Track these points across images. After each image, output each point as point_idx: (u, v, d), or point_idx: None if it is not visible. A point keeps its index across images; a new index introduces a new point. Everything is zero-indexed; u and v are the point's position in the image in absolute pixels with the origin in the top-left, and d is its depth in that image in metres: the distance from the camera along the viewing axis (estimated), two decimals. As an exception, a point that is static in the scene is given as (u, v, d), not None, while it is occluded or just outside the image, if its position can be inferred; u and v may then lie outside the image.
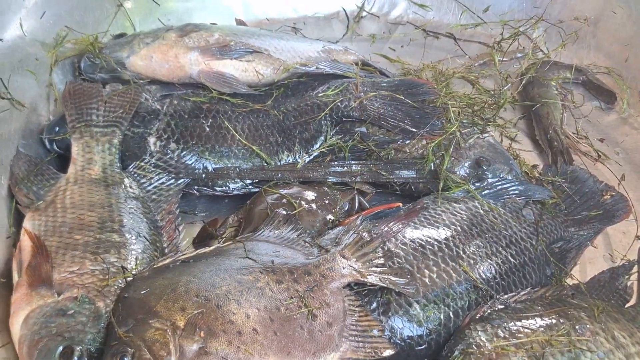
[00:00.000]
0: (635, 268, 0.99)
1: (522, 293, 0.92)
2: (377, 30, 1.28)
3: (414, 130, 1.04)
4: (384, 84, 1.08)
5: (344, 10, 1.28)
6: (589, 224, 1.04)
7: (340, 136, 1.05)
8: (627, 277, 0.98)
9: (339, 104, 1.04)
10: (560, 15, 1.24)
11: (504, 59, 1.24)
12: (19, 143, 1.00)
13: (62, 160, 1.01)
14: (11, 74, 0.99)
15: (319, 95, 1.05)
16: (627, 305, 0.95)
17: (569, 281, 0.96)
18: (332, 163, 1.03)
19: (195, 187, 1.01)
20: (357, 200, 1.04)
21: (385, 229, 0.94)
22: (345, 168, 1.03)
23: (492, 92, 1.17)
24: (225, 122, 1.02)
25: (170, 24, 1.16)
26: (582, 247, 1.03)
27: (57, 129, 1.02)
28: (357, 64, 1.13)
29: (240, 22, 1.22)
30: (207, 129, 1.02)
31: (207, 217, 1.00)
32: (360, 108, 1.05)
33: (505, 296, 0.92)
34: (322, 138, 1.05)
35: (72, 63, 1.08)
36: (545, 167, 1.11)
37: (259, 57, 1.07)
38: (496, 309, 0.91)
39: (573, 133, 1.15)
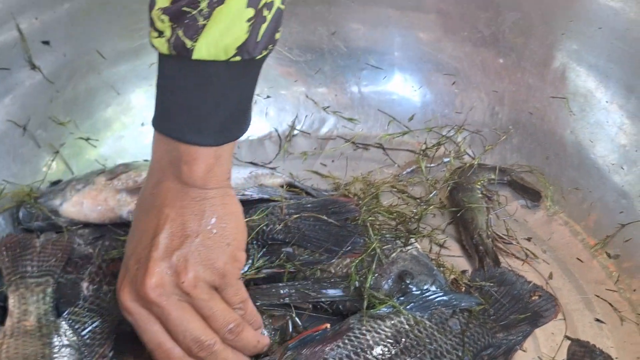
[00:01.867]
0: (565, 368, 1.02)
1: (446, 408, 0.94)
2: (309, 146, 1.32)
3: (337, 249, 1.08)
4: (309, 205, 1.12)
5: (276, 130, 1.34)
6: (518, 327, 1.06)
7: (267, 257, 1.09)
8: (556, 378, 1.01)
9: (264, 227, 1.08)
10: (481, 124, 1.29)
11: (432, 164, 1.28)
12: (-43, 298, 1.05)
13: (4, 312, 1.04)
14: (-56, 231, 1.05)
15: (245, 220, 1.09)
16: (556, 407, 0.97)
17: (499, 388, 0.98)
18: (261, 287, 1.07)
19: (129, 326, 1.04)
20: (290, 324, 1.07)
21: (309, 354, 0.97)
22: (274, 290, 1.07)
23: (419, 201, 1.21)
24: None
25: (107, 163, 1.22)
26: (512, 351, 1.05)
27: (-5, 282, 1.07)
28: (283, 187, 1.18)
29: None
30: (138, 268, 1.06)
31: (143, 355, 1.03)
32: (285, 230, 1.09)
33: (430, 413, 0.94)
34: (250, 261, 1.08)
35: (12, 213, 1.13)
36: (473, 272, 1.14)
37: (186, 192, 1.12)
38: None
39: (501, 234, 1.18)
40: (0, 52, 1.10)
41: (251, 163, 1.28)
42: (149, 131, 1.26)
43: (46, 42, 1.15)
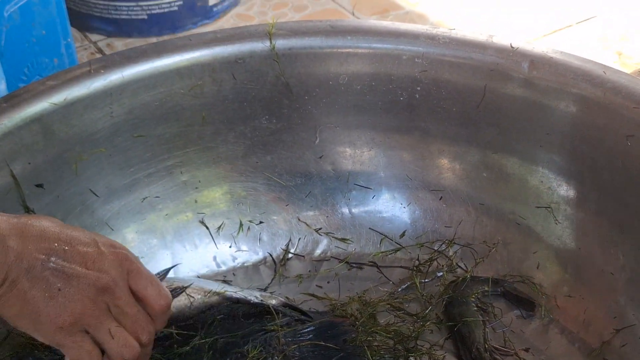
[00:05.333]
0: None
1: None
2: (304, 269, 1.34)
3: (339, 374, 1.08)
4: (305, 331, 1.13)
5: (270, 255, 1.35)
6: None
7: None
8: None
9: (262, 360, 1.09)
10: (471, 237, 1.31)
11: (426, 280, 1.29)
12: None
13: None
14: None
15: (243, 353, 1.10)
16: None
17: None
18: None
19: None
20: None
21: None
22: None
23: (415, 317, 1.22)
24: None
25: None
26: None
27: None
28: (278, 313, 1.19)
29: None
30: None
31: None
32: (284, 361, 1.09)
33: None
34: None
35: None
36: (474, 386, 1.14)
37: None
38: None
39: (499, 347, 1.18)
40: (-5, 199, 1.13)
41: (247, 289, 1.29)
42: (145, 264, 1.28)
43: (40, 185, 1.18)
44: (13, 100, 1.17)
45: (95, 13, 1.82)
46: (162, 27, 1.76)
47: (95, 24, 1.86)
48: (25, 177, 1.16)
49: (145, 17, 1.77)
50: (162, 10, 1.77)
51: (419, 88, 1.31)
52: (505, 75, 1.24)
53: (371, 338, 1.13)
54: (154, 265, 1.29)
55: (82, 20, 1.88)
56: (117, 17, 1.80)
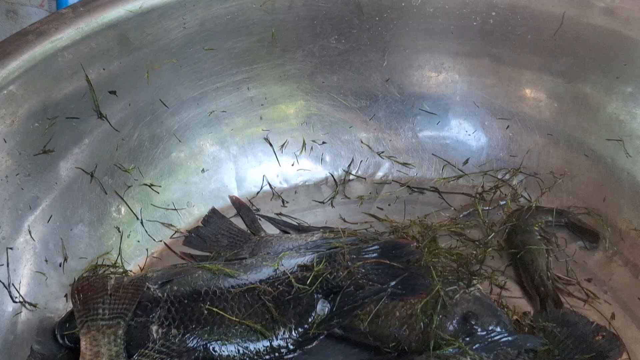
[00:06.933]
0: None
1: None
2: (365, 191, 1.35)
3: (402, 291, 1.09)
4: (369, 249, 1.14)
5: (332, 175, 1.36)
6: (583, 368, 1.06)
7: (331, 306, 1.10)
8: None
9: (328, 275, 1.10)
10: (536, 168, 1.30)
11: (488, 207, 1.29)
12: (33, 342, 1.07)
13: (77, 354, 1.06)
14: (21, 278, 1.08)
15: (308, 267, 1.11)
16: None
17: None
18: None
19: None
20: None
21: None
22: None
23: (477, 243, 1.22)
24: (222, 304, 1.08)
25: (171, 206, 1.26)
26: (578, 391, 1.05)
27: (68, 324, 1.09)
28: (344, 232, 1.20)
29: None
30: (206, 312, 1.08)
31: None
32: (349, 277, 1.10)
33: None
34: (315, 312, 1.09)
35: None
36: (535, 313, 1.14)
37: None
38: None
39: (561, 276, 1.19)
40: (70, 102, 1.14)
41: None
42: (210, 177, 1.31)
43: (113, 92, 1.19)
44: (90, 5, 1.17)
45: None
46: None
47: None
48: (100, 82, 1.17)
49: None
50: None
51: (493, 13, 1.29)
52: (586, 3, 1.22)
53: (435, 260, 1.14)
54: (219, 177, 1.31)
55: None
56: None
